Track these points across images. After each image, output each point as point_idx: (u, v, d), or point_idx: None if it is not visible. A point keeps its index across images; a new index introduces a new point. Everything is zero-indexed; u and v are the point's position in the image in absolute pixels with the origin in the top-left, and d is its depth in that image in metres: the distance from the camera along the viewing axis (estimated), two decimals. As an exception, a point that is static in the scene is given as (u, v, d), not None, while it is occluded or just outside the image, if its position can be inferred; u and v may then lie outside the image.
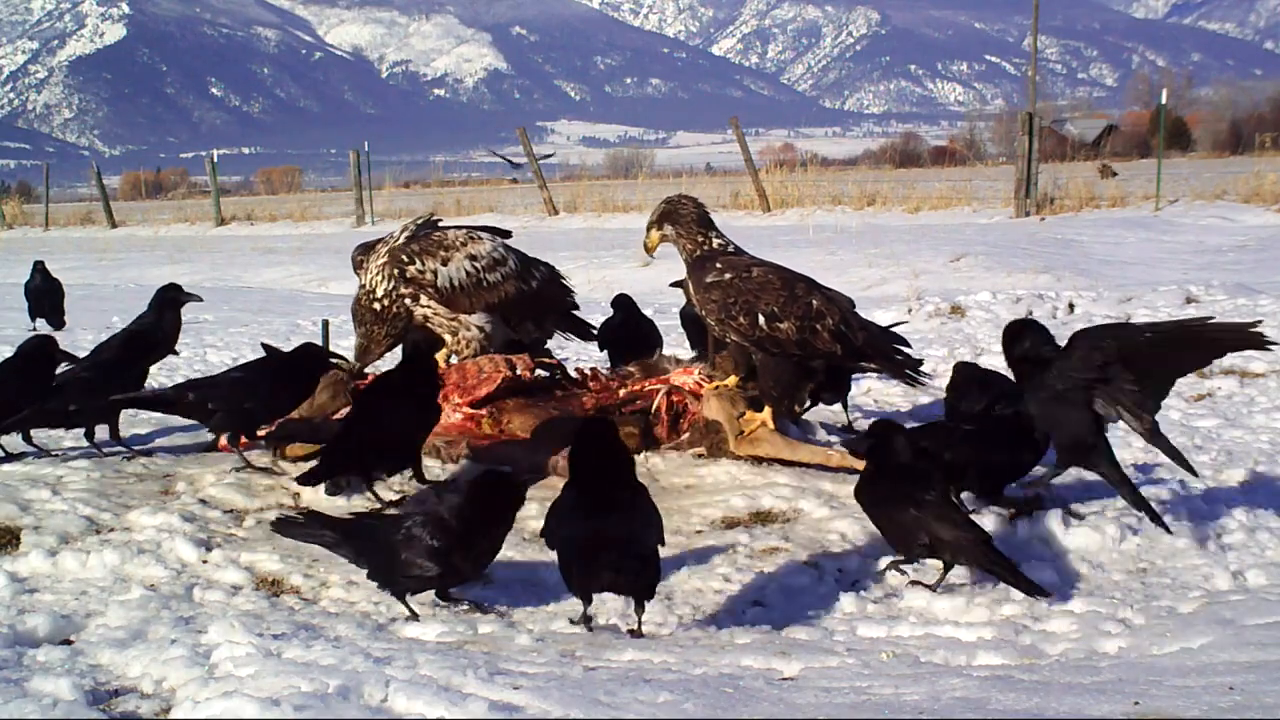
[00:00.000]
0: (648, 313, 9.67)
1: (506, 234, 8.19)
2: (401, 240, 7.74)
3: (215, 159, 44.70)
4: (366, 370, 7.98)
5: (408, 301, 7.65)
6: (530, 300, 8.06)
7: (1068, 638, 5.09)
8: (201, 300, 9.73)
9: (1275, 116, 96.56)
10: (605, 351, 9.44)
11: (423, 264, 7.67)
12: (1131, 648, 4.93)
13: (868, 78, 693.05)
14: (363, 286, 7.74)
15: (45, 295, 15.03)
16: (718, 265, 6.85)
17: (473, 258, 7.84)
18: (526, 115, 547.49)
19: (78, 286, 19.38)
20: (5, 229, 46.55)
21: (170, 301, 9.28)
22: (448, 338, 7.80)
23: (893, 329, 7.50)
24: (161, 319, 9.22)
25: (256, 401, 7.09)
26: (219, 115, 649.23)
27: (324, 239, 33.10)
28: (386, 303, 7.66)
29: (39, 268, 15.14)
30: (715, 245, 6.94)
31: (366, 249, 8.08)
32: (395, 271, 7.64)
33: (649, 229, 7.06)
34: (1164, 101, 35.69)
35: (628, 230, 28.42)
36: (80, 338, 13.54)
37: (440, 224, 8.02)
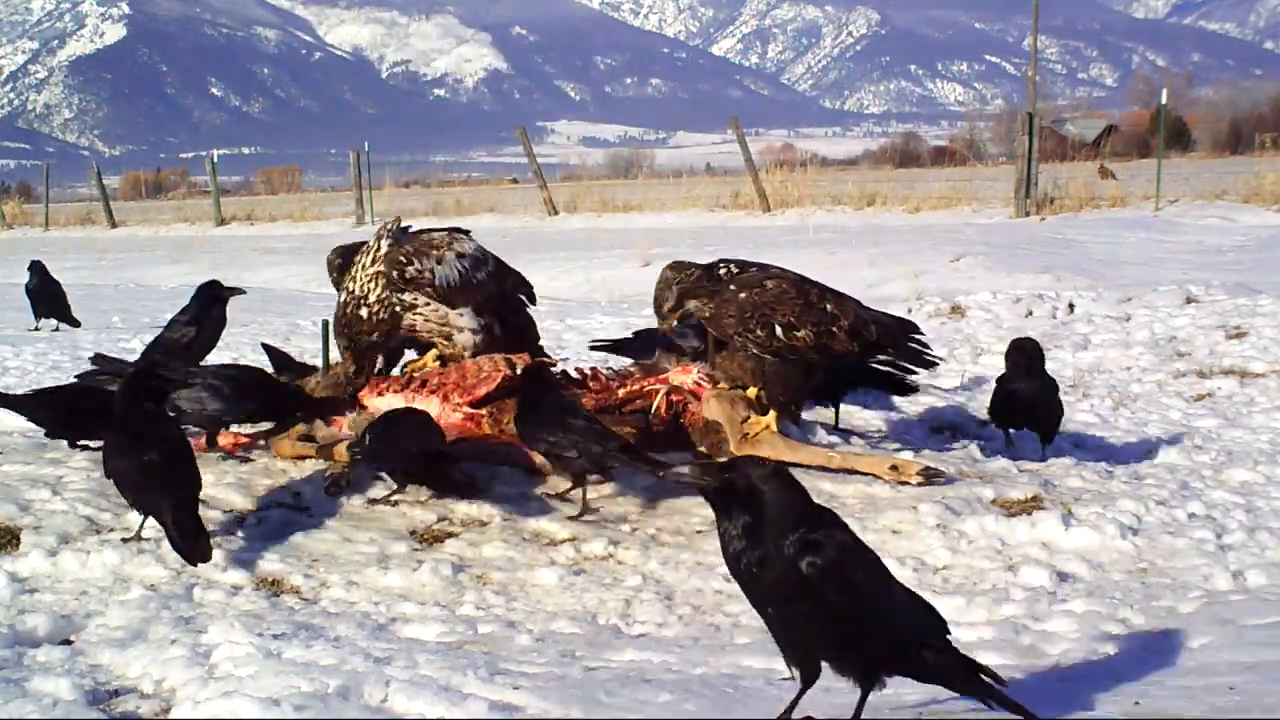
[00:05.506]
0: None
1: (466, 232, 8.12)
2: (385, 247, 7.63)
3: (215, 159, 44.66)
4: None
5: (398, 309, 7.58)
6: (502, 299, 8.03)
7: (1068, 638, 5.09)
8: (245, 292, 9.53)
9: (1275, 116, 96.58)
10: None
11: (420, 264, 7.60)
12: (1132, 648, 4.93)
13: (868, 78, 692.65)
14: (350, 294, 7.61)
15: (44, 295, 14.97)
16: (731, 287, 6.83)
17: (460, 255, 7.80)
18: (526, 115, 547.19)
19: (78, 287, 19.26)
20: (5, 229, 46.53)
21: (213, 299, 8.90)
22: (440, 342, 7.75)
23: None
24: (202, 320, 8.82)
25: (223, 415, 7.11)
26: (219, 115, 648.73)
27: (324, 239, 32.95)
28: (378, 309, 7.57)
29: (36, 268, 15.08)
30: (722, 275, 6.92)
31: (347, 253, 7.98)
32: (395, 274, 7.55)
33: (669, 315, 7.00)
34: (1164, 101, 35.69)
35: (627, 230, 28.44)
36: (80, 338, 13.55)
37: (410, 228, 7.94)
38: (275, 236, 35.47)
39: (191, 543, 5.75)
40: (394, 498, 6.61)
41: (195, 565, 5.78)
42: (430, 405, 7.09)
